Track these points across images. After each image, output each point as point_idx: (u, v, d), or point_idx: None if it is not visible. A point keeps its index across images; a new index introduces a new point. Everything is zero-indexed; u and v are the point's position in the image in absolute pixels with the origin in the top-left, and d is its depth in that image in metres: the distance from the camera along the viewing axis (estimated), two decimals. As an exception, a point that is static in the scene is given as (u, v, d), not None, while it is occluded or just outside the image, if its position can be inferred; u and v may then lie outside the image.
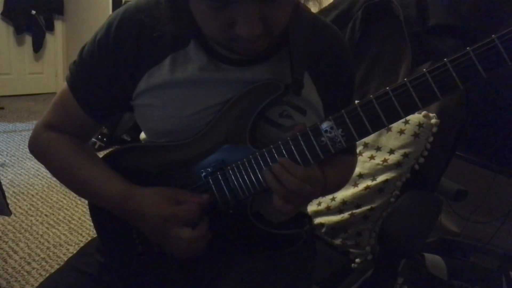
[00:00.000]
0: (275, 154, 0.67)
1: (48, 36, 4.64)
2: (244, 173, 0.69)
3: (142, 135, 0.86)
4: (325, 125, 0.65)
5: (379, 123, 0.63)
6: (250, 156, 0.69)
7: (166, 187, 0.72)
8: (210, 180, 0.71)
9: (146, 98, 0.74)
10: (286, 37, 0.71)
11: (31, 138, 0.81)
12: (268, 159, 0.67)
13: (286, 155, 0.67)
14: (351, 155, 0.88)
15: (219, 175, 0.71)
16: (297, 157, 0.66)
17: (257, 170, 0.68)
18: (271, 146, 0.67)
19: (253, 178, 0.69)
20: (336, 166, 0.81)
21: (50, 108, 0.80)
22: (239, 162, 0.69)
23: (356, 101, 0.65)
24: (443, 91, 0.59)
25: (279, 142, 0.67)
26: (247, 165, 0.69)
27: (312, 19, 0.76)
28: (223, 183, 0.71)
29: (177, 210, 0.69)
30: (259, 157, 0.68)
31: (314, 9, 0.78)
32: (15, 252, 1.89)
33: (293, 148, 0.66)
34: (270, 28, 0.62)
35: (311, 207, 1.28)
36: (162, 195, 0.71)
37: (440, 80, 0.58)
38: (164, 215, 0.69)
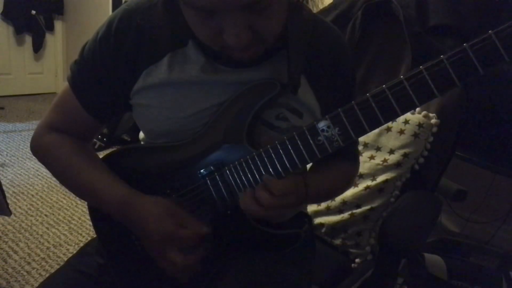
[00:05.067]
0: (273, 154, 0.67)
1: (48, 36, 4.64)
2: (242, 174, 0.69)
3: (141, 135, 0.86)
4: (321, 124, 0.65)
5: (376, 122, 0.62)
6: (248, 157, 0.69)
7: (168, 200, 0.72)
8: (208, 180, 0.71)
9: (144, 97, 0.74)
10: (286, 39, 0.71)
11: (32, 139, 0.81)
12: (266, 159, 0.67)
13: (283, 155, 0.67)
14: (350, 163, 0.87)
15: (217, 176, 0.71)
16: (294, 157, 0.66)
17: (254, 171, 0.68)
18: (268, 146, 0.67)
19: (250, 178, 0.69)
20: (334, 173, 0.82)
21: (51, 108, 0.80)
22: (236, 163, 0.69)
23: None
24: (440, 88, 0.58)
25: (276, 142, 0.67)
26: (244, 165, 0.69)
27: (313, 21, 0.76)
28: (221, 184, 0.71)
29: (178, 233, 0.69)
30: (256, 157, 0.68)
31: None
32: (15, 252, 1.89)
33: (290, 147, 0.66)
34: (260, 36, 0.61)
35: (311, 207, 1.28)
36: (165, 209, 0.70)
37: (437, 77, 0.58)
38: (164, 233, 0.69)
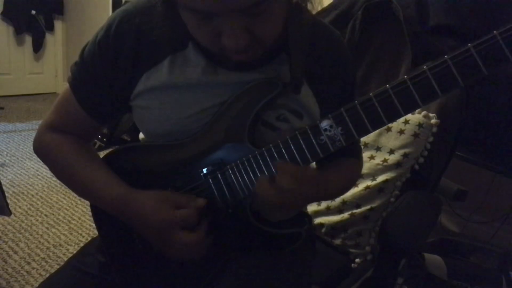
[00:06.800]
0: (275, 153, 0.67)
1: (48, 36, 4.64)
2: (243, 172, 0.69)
3: (141, 135, 0.86)
4: (324, 124, 0.65)
5: (379, 121, 0.62)
6: (250, 156, 0.69)
7: (163, 191, 0.72)
8: (210, 179, 0.72)
9: (144, 99, 0.74)
10: (286, 41, 0.71)
11: (35, 139, 0.82)
12: (268, 158, 0.68)
13: (285, 154, 0.67)
14: (355, 159, 0.88)
15: (219, 175, 0.71)
16: (297, 156, 0.66)
17: (256, 170, 0.68)
18: (271, 145, 0.68)
19: (252, 177, 0.69)
20: (340, 169, 0.82)
21: (53, 109, 0.81)
22: (238, 162, 0.69)
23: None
24: (443, 88, 0.58)
25: (279, 141, 0.67)
26: (246, 164, 0.69)
27: (313, 23, 0.76)
28: (222, 182, 0.71)
29: (176, 215, 0.69)
30: (258, 156, 0.68)
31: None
32: (15, 252, 1.89)
33: (292, 147, 0.66)
34: (259, 39, 0.61)
35: (311, 207, 1.28)
36: (161, 199, 0.70)
37: (440, 77, 0.58)
38: (164, 220, 0.69)
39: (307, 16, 0.75)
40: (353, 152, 0.87)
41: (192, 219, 0.69)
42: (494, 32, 0.54)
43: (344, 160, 0.84)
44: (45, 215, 2.22)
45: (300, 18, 0.72)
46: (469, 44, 0.56)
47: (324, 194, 0.79)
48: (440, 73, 0.58)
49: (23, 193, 2.44)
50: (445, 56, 0.57)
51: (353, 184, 0.90)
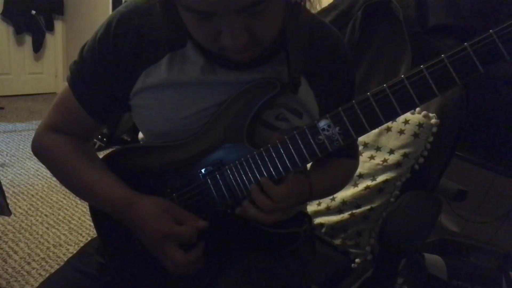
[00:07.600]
0: (273, 153, 0.67)
1: (48, 36, 4.64)
2: (242, 173, 0.69)
3: (141, 135, 0.86)
4: (322, 123, 0.65)
5: (377, 121, 0.63)
6: (248, 156, 0.69)
7: (166, 200, 0.72)
8: (209, 179, 0.71)
9: (143, 98, 0.74)
10: (284, 40, 0.71)
11: (33, 140, 0.81)
12: (266, 158, 0.68)
13: (283, 154, 0.67)
14: (351, 159, 0.88)
15: (217, 175, 0.71)
16: (295, 156, 0.66)
17: (255, 170, 0.68)
18: (269, 145, 0.68)
19: (251, 177, 0.69)
20: (329, 171, 0.82)
21: (52, 109, 0.80)
22: (237, 162, 0.69)
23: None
24: (440, 87, 0.59)
25: (277, 141, 0.67)
26: (245, 164, 0.69)
27: (311, 22, 0.76)
28: (221, 183, 0.71)
29: (175, 230, 0.69)
30: (257, 156, 0.68)
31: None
32: (15, 252, 1.89)
33: (290, 146, 0.66)
34: (257, 38, 0.62)
35: (311, 207, 1.28)
36: (162, 210, 0.70)
37: (437, 76, 0.58)
38: (162, 232, 0.69)
39: (306, 16, 0.75)
40: (350, 151, 0.87)
41: (189, 238, 0.69)
42: (490, 31, 0.55)
43: (340, 160, 0.84)
44: (45, 215, 2.22)
45: (298, 18, 0.72)
46: (465, 43, 0.56)
47: (317, 197, 0.80)
48: (437, 72, 0.58)
49: (23, 193, 2.44)
50: (442, 55, 0.58)
51: (348, 182, 0.91)
